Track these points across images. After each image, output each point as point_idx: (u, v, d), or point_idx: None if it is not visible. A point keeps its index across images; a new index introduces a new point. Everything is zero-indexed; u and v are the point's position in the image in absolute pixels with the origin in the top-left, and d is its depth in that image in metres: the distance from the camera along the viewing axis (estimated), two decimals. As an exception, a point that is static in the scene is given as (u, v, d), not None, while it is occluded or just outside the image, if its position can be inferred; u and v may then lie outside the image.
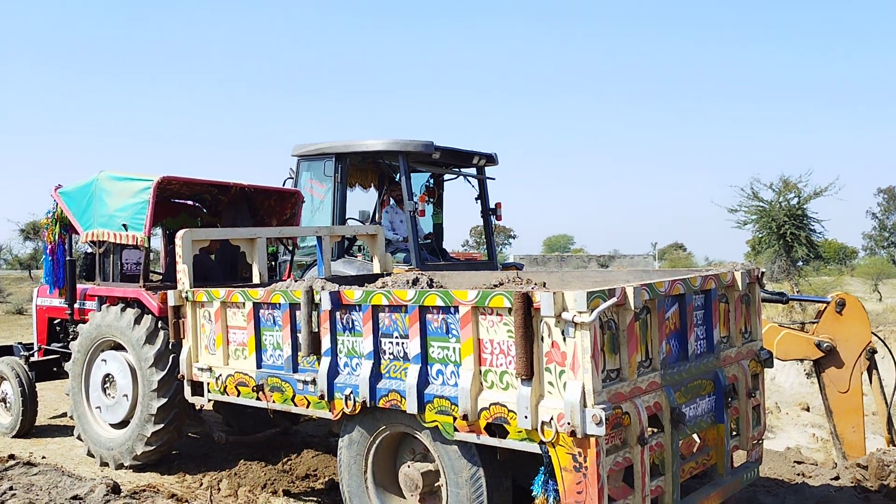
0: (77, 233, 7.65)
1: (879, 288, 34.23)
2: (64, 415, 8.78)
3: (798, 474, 6.64)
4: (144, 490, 6.20)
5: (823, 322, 6.70)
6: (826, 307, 6.72)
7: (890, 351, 6.61)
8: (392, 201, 9.12)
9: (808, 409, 14.91)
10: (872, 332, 6.58)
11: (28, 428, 8.37)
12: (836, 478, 6.47)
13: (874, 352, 6.57)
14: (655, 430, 4.22)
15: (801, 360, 6.94)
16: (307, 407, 5.07)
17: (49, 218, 8.02)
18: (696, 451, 4.73)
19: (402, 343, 4.49)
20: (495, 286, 5.01)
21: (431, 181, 9.57)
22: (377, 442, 4.79)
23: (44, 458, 7.39)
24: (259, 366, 5.40)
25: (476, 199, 9.44)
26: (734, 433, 4.93)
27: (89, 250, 8.02)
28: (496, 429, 4.10)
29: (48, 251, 8.01)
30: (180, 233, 6.09)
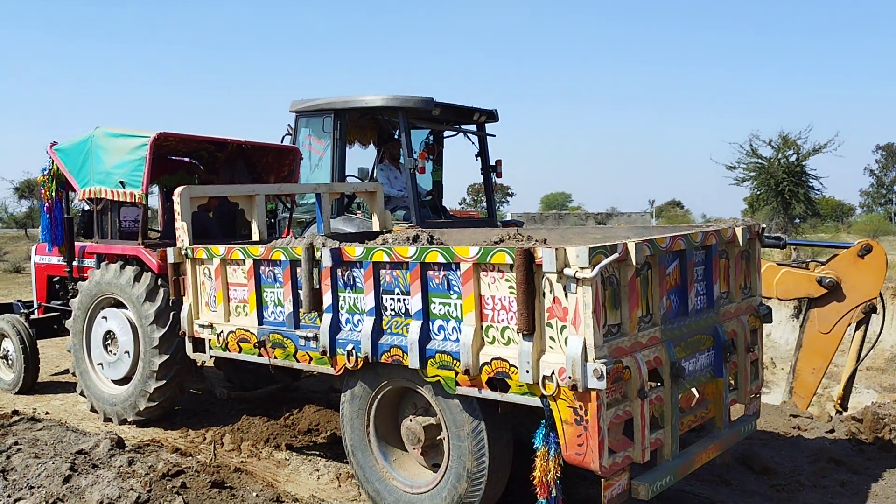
0: (74, 190, 7.61)
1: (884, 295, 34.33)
2: (66, 372, 8.84)
3: (794, 427, 6.72)
4: (148, 444, 6.27)
5: (839, 261, 6.46)
6: (842, 251, 6.50)
7: (883, 312, 6.45)
8: (387, 159, 9.06)
9: (803, 365, 15.06)
10: (881, 292, 6.37)
11: (30, 385, 8.43)
12: (832, 431, 6.56)
13: (873, 309, 6.42)
14: (655, 383, 4.26)
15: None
16: (309, 363, 5.11)
17: (45, 175, 7.96)
18: (695, 405, 4.78)
19: (404, 299, 4.51)
20: (496, 243, 5.01)
21: (431, 138, 9.50)
22: (379, 396, 4.83)
23: (47, 413, 7.46)
24: (260, 322, 5.42)
25: (476, 156, 9.39)
26: (732, 387, 4.98)
27: (87, 208, 7.98)
28: (497, 383, 4.14)
29: (45, 209, 7.97)
30: (178, 190, 6.07)
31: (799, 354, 6.50)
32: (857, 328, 6.49)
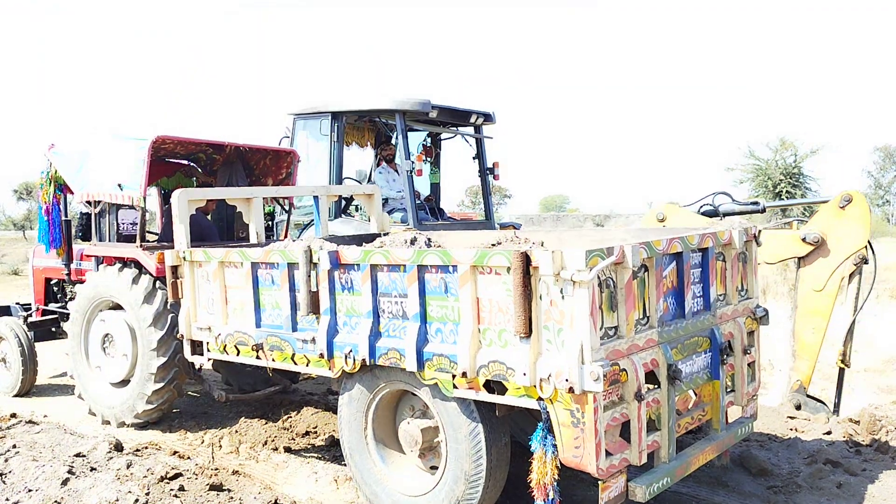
0: (72, 193, 7.61)
1: (874, 246, 34.34)
2: (64, 374, 8.84)
3: (791, 429, 6.73)
4: (147, 447, 6.27)
5: (820, 215, 6.35)
6: (823, 205, 6.39)
7: (875, 264, 6.32)
8: (384, 162, 9.06)
9: (800, 366, 15.07)
10: (869, 241, 6.24)
11: (28, 387, 8.43)
12: (829, 432, 6.57)
13: (864, 260, 6.27)
14: (652, 386, 4.27)
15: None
16: (307, 365, 5.11)
17: (43, 178, 7.97)
18: (692, 407, 4.79)
19: (401, 302, 4.51)
20: (493, 245, 5.03)
21: (429, 140, 9.51)
22: (377, 399, 4.84)
23: (45, 416, 7.45)
24: (258, 325, 5.42)
25: (473, 158, 9.39)
26: (729, 389, 4.99)
27: (85, 210, 7.99)
28: (495, 386, 4.14)
29: (43, 211, 7.98)
30: (176, 192, 6.07)
31: (796, 316, 6.38)
32: (850, 281, 6.35)
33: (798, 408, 6.19)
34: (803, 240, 6.29)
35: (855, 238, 6.20)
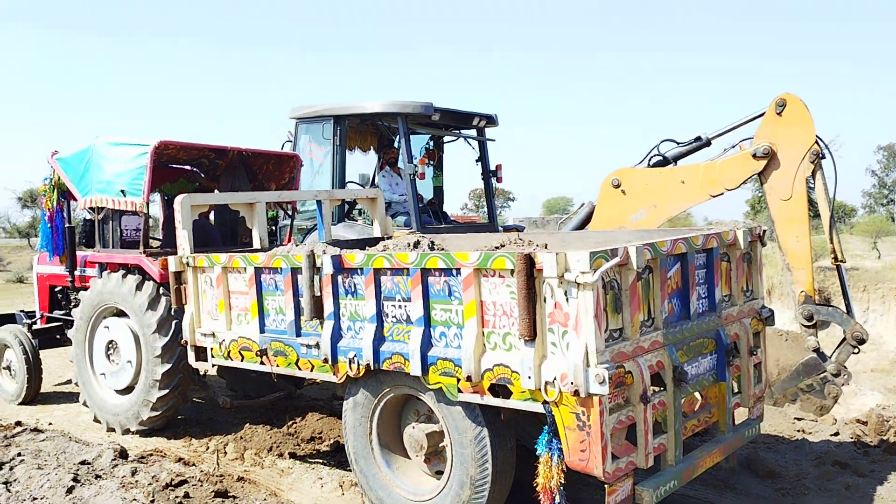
0: (75, 199, 7.62)
1: (878, 246, 34.17)
2: (68, 382, 8.84)
3: (798, 431, 6.70)
4: (151, 454, 6.26)
5: (763, 127, 6.30)
6: (760, 118, 6.34)
7: (832, 155, 6.25)
8: (387, 165, 9.06)
9: (806, 367, 15.02)
10: (817, 136, 6.16)
11: (33, 395, 8.43)
12: (836, 433, 6.54)
13: (820, 156, 6.20)
14: (658, 388, 4.24)
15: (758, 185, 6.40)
16: (311, 370, 5.10)
17: (46, 185, 7.98)
18: (698, 409, 4.76)
19: (405, 306, 4.50)
20: (496, 248, 5.00)
21: (431, 143, 9.50)
22: (381, 404, 4.82)
23: (50, 424, 7.45)
24: (262, 330, 5.41)
25: (476, 161, 9.38)
26: (736, 391, 4.96)
27: (88, 217, 7.99)
28: (500, 389, 4.12)
29: (47, 218, 7.98)
30: (179, 198, 6.06)
31: (777, 232, 6.31)
32: (814, 180, 6.28)
33: (810, 319, 6.02)
34: (754, 156, 6.26)
35: (802, 137, 6.16)
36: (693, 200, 6.61)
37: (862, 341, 6.02)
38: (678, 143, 6.95)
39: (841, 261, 6.27)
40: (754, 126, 6.41)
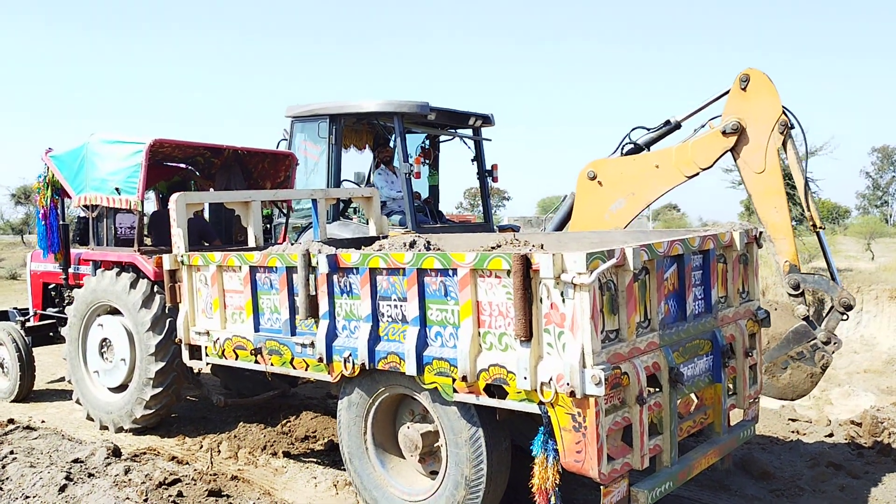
0: (69, 197, 7.58)
1: (872, 247, 34.26)
2: (62, 379, 8.80)
3: (793, 432, 6.71)
4: (145, 453, 6.24)
5: (729, 103, 6.34)
6: (726, 96, 6.38)
7: (800, 125, 6.27)
8: (382, 164, 9.04)
9: (800, 368, 15.06)
10: (784, 107, 6.19)
11: (26, 393, 8.39)
12: (831, 435, 6.55)
13: (789, 126, 6.23)
14: (654, 389, 4.24)
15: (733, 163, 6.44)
16: (306, 370, 5.08)
17: (41, 182, 7.94)
18: (694, 410, 4.76)
19: (401, 306, 4.48)
20: (493, 248, 4.99)
21: (427, 143, 9.48)
22: (376, 403, 4.81)
23: (43, 422, 7.42)
24: (257, 329, 5.39)
25: (472, 160, 9.37)
26: (731, 392, 4.96)
27: (82, 214, 7.96)
28: (495, 390, 4.11)
29: (41, 216, 7.94)
30: (174, 196, 6.03)
31: (755, 205, 6.35)
32: (786, 151, 6.30)
33: (797, 288, 6.04)
34: (724, 133, 6.30)
35: (769, 110, 6.21)
36: (670, 184, 6.63)
37: (849, 307, 6.04)
38: (649, 130, 6.99)
39: (820, 227, 6.30)
40: (722, 104, 6.45)
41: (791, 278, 6.06)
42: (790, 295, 6.15)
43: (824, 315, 6.20)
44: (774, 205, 6.21)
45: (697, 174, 6.52)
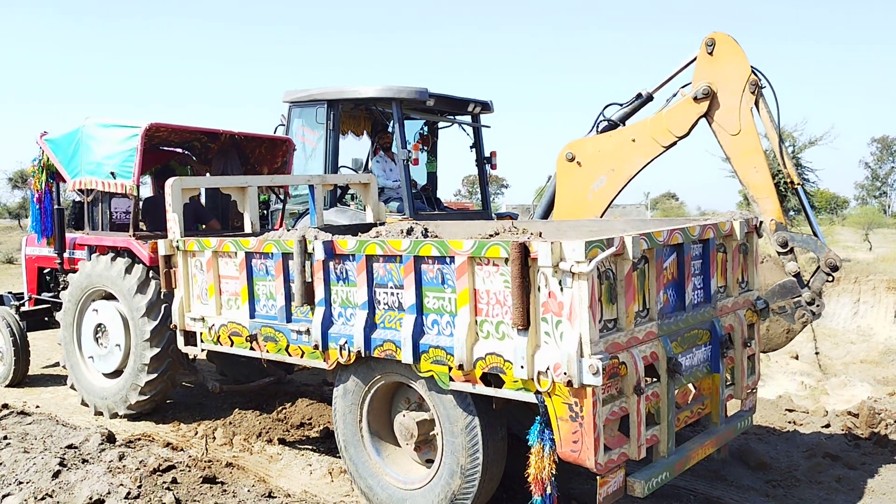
0: (64, 181, 7.52)
1: (870, 237, 34.31)
2: (56, 364, 8.77)
3: (790, 422, 6.70)
4: (139, 439, 6.21)
5: (698, 69, 6.34)
6: (694, 59, 6.38)
7: (770, 84, 6.24)
8: (381, 150, 8.98)
9: (796, 358, 15.10)
10: (752, 66, 6.18)
11: (20, 378, 8.36)
12: (827, 425, 6.54)
13: (759, 85, 6.20)
14: (652, 379, 4.21)
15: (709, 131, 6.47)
16: (301, 357, 5.05)
17: (35, 166, 7.88)
18: (692, 401, 4.74)
19: (397, 293, 4.44)
20: (491, 236, 4.95)
21: (426, 129, 9.42)
22: (372, 391, 4.78)
23: (37, 407, 7.39)
24: (252, 316, 5.35)
25: (471, 147, 9.31)
26: (729, 383, 4.94)
27: (77, 199, 7.90)
28: (492, 379, 4.08)
29: (35, 200, 7.89)
30: (170, 181, 5.97)
31: (735, 167, 6.33)
32: (759, 110, 6.27)
33: (784, 245, 6.03)
34: (695, 98, 6.30)
35: (737, 71, 6.20)
36: (648, 155, 6.61)
37: (835, 268, 6.03)
38: (622, 105, 6.97)
39: (798, 184, 6.27)
40: (691, 72, 6.43)
41: (779, 236, 6.05)
42: (778, 253, 6.13)
43: (809, 278, 6.19)
44: (754, 164, 6.19)
45: (675, 143, 6.51)
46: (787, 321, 6.11)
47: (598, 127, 6.98)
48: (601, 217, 6.75)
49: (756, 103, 6.19)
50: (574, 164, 6.88)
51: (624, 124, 6.90)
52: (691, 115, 6.35)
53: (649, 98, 6.86)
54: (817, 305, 6.08)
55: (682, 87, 6.51)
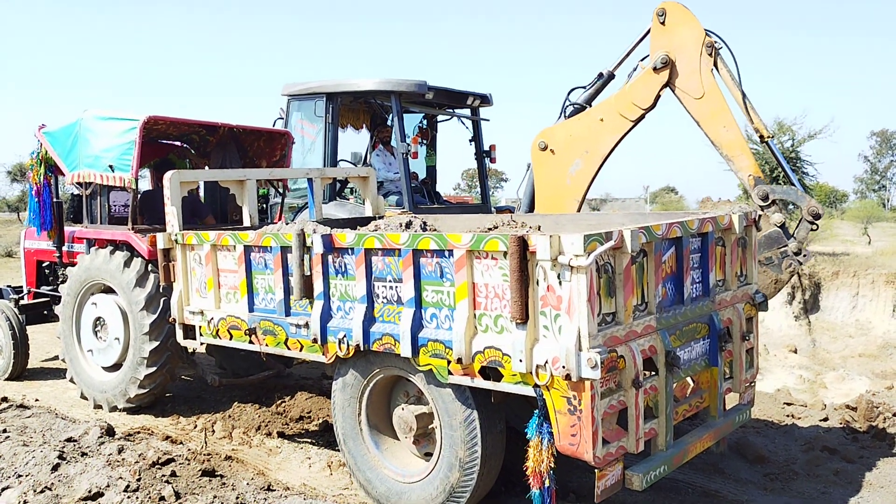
0: (63, 174, 7.51)
1: (869, 231, 34.32)
2: (56, 358, 8.77)
3: (788, 416, 6.71)
4: (139, 432, 6.22)
5: (653, 40, 6.41)
6: (648, 35, 6.45)
7: (725, 43, 6.25)
8: (381, 144, 8.97)
9: (795, 352, 15.13)
10: (706, 29, 6.22)
11: (20, 371, 8.36)
12: (825, 419, 6.55)
13: (715, 47, 6.22)
14: (650, 373, 4.21)
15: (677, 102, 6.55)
16: (300, 350, 5.05)
17: (33, 159, 7.86)
18: (690, 394, 4.74)
19: (396, 287, 4.44)
20: (489, 230, 4.95)
21: (425, 122, 9.40)
22: (371, 385, 4.78)
23: (37, 400, 7.39)
24: (251, 309, 5.35)
25: (470, 140, 9.30)
26: (727, 376, 4.94)
27: (76, 192, 7.88)
28: (490, 372, 4.09)
29: (34, 193, 7.87)
30: (168, 174, 5.97)
31: (705, 130, 6.34)
32: (718, 70, 6.29)
33: (766, 198, 6.05)
34: (655, 69, 6.35)
35: (692, 35, 6.25)
36: (618, 132, 6.64)
37: (818, 216, 6.06)
38: (585, 87, 7.01)
39: (769, 136, 6.28)
40: (648, 45, 6.47)
41: (759, 190, 6.08)
42: (760, 207, 6.14)
43: (794, 229, 6.22)
44: (723, 123, 6.21)
45: (642, 116, 6.54)
46: (774, 272, 6.14)
47: (565, 112, 7.03)
48: (582, 198, 6.83)
49: (715, 64, 6.22)
50: (548, 153, 6.94)
51: (590, 105, 6.94)
52: (654, 85, 6.40)
53: (611, 76, 6.92)
54: (804, 255, 6.11)
55: (641, 60, 6.57)
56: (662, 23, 6.31)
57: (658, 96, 6.43)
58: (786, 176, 6.47)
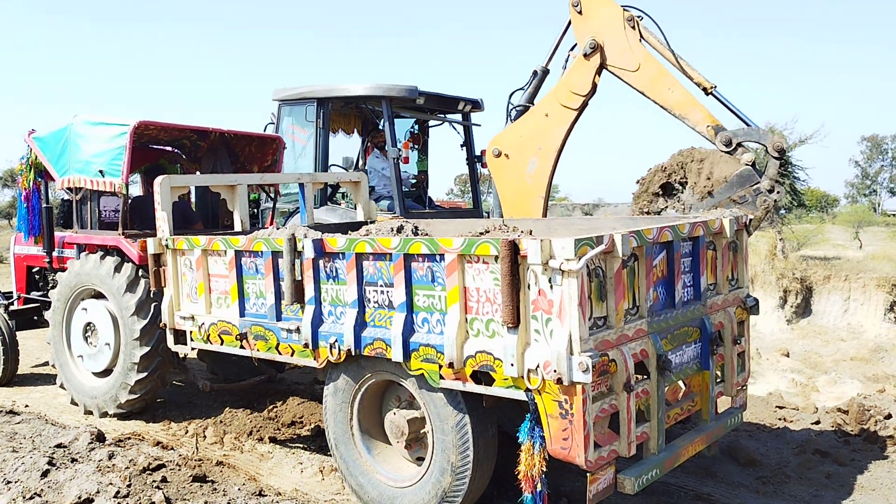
0: (53, 179, 7.47)
1: (860, 236, 34.50)
2: (46, 364, 8.71)
3: (780, 419, 6.72)
4: (129, 438, 6.18)
5: (575, 30, 6.52)
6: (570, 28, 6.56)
7: (643, 12, 6.32)
8: (375, 149, 8.97)
9: (787, 355, 15.16)
10: (622, 6, 6.30)
11: (10, 377, 8.30)
12: (817, 422, 6.56)
13: (636, 18, 6.30)
14: (642, 376, 4.22)
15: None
16: (291, 355, 5.03)
17: (23, 164, 7.82)
18: (682, 398, 4.75)
19: (387, 291, 4.43)
20: (481, 234, 4.94)
21: (416, 127, 9.41)
22: (362, 389, 4.77)
23: (27, 406, 7.35)
24: (242, 314, 5.33)
25: (461, 145, 9.31)
26: (719, 379, 4.95)
27: (66, 197, 7.85)
28: (482, 376, 4.08)
29: (23, 198, 7.83)
30: (159, 179, 5.95)
31: (653, 98, 6.35)
32: (643, 38, 6.35)
33: (729, 144, 6.05)
34: (585, 55, 6.44)
35: (610, 15, 6.36)
36: (564, 124, 6.69)
37: (783, 150, 6.05)
38: (524, 88, 7.08)
39: (712, 87, 6.27)
40: (572, 35, 6.59)
41: (721, 136, 6.09)
42: (724, 153, 6.14)
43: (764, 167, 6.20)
44: (666, 86, 6.26)
45: (585, 103, 6.59)
46: (749, 210, 6.15)
47: (510, 116, 7.09)
48: (546, 195, 6.85)
49: (641, 35, 6.30)
50: (503, 158, 6.99)
51: (533, 104, 7.00)
52: (588, 71, 6.47)
53: (545, 72, 6.98)
54: (777, 192, 6.11)
55: (570, 49, 6.64)
56: (580, 12, 6.43)
57: (595, 81, 6.49)
58: (742, 122, 6.45)
